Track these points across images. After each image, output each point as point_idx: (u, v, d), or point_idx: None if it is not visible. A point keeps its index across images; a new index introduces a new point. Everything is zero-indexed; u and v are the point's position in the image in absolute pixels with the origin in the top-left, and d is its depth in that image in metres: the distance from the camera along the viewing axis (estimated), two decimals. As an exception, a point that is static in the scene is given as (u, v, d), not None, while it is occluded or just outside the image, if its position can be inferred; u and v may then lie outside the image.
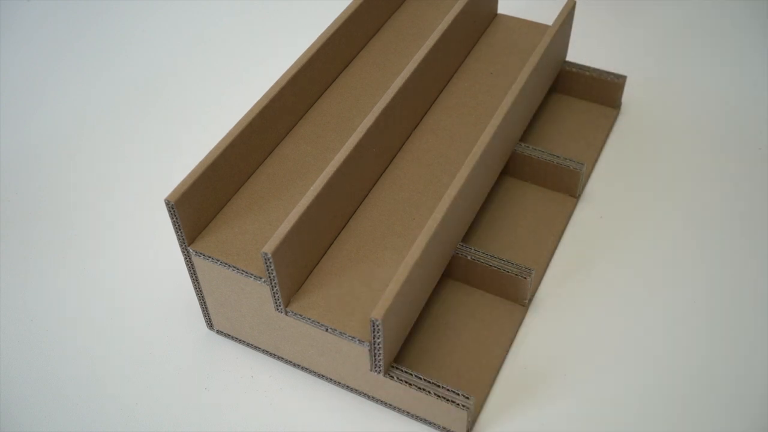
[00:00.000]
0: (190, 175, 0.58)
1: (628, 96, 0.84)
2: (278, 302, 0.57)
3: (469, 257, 0.64)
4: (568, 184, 0.73)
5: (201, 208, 0.59)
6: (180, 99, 0.89)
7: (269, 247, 0.53)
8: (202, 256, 0.59)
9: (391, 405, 0.61)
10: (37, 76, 0.94)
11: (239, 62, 0.94)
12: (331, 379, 0.63)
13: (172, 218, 0.57)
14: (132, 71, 0.93)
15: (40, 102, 0.90)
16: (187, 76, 0.92)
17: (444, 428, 0.59)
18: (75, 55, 0.96)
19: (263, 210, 0.62)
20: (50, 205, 0.78)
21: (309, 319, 0.57)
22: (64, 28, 1.00)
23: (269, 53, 0.94)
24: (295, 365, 0.64)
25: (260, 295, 0.59)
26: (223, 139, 0.61)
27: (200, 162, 0.59)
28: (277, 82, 0.65)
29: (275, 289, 0.56)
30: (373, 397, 0.61)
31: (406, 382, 0.57)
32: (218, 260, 0.58)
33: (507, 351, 0.64)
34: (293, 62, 0.68)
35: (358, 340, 0.55)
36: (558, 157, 0.72)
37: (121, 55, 0.96)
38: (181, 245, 0.60)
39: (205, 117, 0.86)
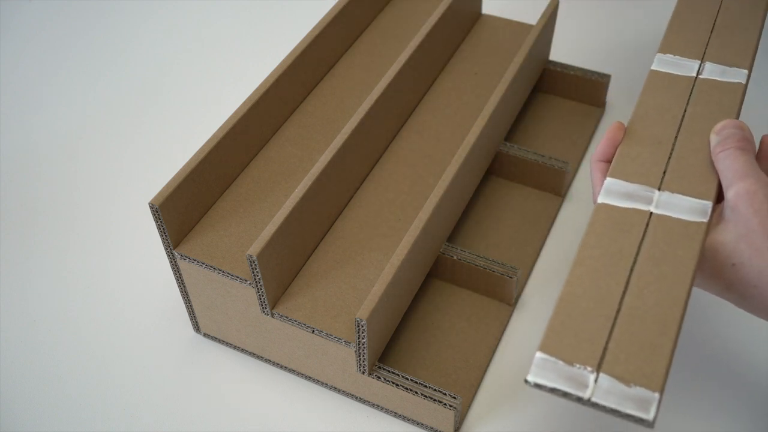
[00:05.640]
0: (174, 179, 0.58)
1: (612, 95, 0.84)
2: (264, 304, 0.57)
3: (455, 257, 0.65)
4: (553, 184, 0.74)
5: (186, 211, 0.59)
6: (181, 100, 0.89)
7: (254, 249, 0.53)
8: (188, 260, 0.59)
9: (378, 406, 0.61)
10: (37, 76, 0.93)
11: (236, 64, 0.93)
12: (318, 381, 0.63)
13: (156, 222, 0.57)
14: (133, 72, 0.93)
15: (40, 102, 0.90)
16: (187, 78, 0.92)
17: (431, 428, 0.59)
18: (75, 56, 0.96)
19: (248, 212, 0.62)
20: (50, 207, 0.78)
21: (295, 321, 0.57)
22: (64, 28, 1.00)
23: (266, 54, 0.93)
24: (282, 367, 0.64)
25: (246, 297, 0.59)
26: (208, 142, 0.60)
27: (184, 165, 0.59)
28: (261, 85, 0.65)
29: (261, 291, 0.56)
30: (361, 398, 0.61)
31: (393, 383, 0.57)
32: (203, 263, 0.58)
33: (494, 350, 0.64)
34: (279, 64, 0.68)
35: (344, 341, 0.55)
36: (543, 156, 0.73)
37: (122, 56, 0.96)
38: (166, 248, 0.59)
39: (205, 119, 0.86)
